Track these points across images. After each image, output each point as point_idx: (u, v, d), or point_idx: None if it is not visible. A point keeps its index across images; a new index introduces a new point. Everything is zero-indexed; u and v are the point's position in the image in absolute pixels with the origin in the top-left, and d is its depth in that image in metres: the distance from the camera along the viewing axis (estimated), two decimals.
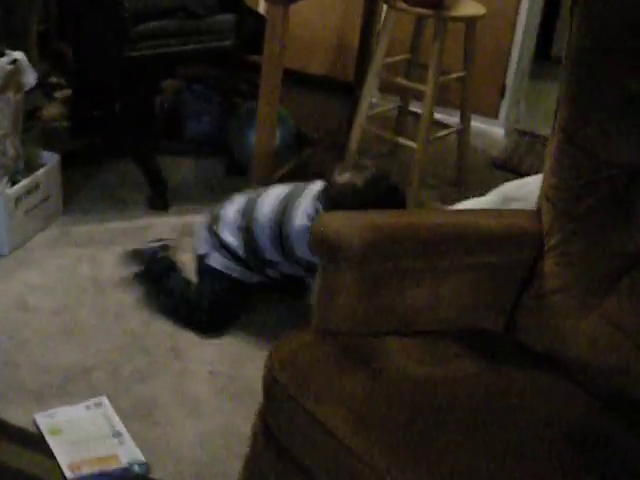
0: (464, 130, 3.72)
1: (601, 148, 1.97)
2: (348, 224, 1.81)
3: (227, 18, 3.21)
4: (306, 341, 1.81)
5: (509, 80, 4.30)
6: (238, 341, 2.62)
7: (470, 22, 3.47)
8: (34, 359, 2.45)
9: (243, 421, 2.27)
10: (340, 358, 1.75)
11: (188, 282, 2.73)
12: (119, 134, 3.48)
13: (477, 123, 4.09)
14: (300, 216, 2.50)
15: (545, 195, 2.06)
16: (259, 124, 3.09)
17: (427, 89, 3.41)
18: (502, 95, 4.33)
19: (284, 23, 2.92)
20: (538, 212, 2.09)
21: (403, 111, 3.94)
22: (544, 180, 2.08)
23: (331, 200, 2.46)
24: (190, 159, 3.65)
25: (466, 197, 3.30)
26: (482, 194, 2.64)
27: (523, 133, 4.46)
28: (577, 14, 1.94)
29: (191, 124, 3.74)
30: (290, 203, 2.55)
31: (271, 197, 2.61)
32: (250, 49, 3.37)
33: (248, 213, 2.62)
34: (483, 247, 1.98)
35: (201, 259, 2.69)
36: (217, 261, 2.65)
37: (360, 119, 3.55)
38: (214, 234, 2.65)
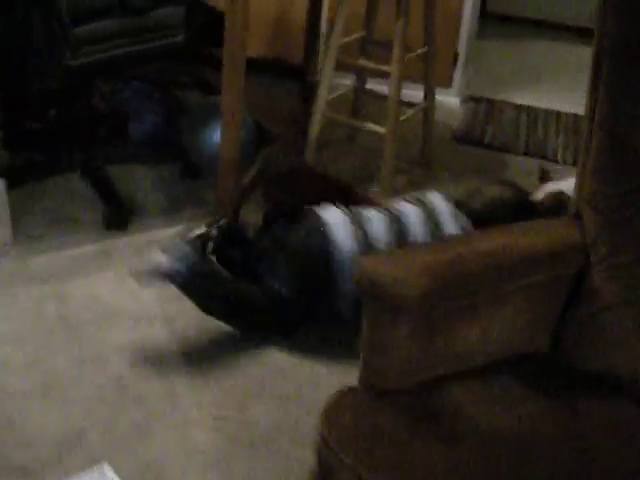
0: (429, 107, 3.49)
1: None
2: (399, 268, 1.57)
3: (174, 11, 2.90)
4: (362, 403, 1.59)
5: (461, 47, 4.09)
6: (237, 378, 2.36)
7: None
8: (15, 428, 2.15)
9: (265, 474, 2.03)
10: (408, 422, 1.54)
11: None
12: (59, 146, 3.14)
13: None
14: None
15: (586, 201, 1.86)
16: (225, 124, 2.81)
17: (392, 69, 3.17)
18: (455, 62, 4.11)
19: (246, 9, 2.63)
20: (575, 219, 1.88)
21: (359, 92, 3.67)
22: (583, 184, 1.88)
23: (478, 214, 2.42)
24: (140, 166, 3.34)
25: (434, 178, 3.12)
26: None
27: (477, 100, 4.27)
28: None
29: (134, 126, 3.43)
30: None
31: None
32: (205, 42, 3.06)
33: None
34: (531, 268, 1.79)
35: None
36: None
37: (320, 104, 3.31)
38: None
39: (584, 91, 1.84)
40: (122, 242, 2.89)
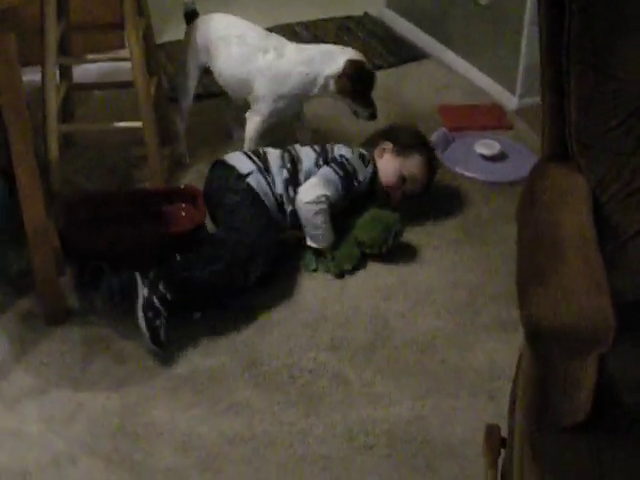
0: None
1: (632, 68, 1.70)
2: (577, 301, 1.37)
3: None
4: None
5: None
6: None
7: None
8: None
9: None
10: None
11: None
12: None
13: None
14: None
15: (582, 142, 1.76)
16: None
17: (135, 53, 2.75)
18: None
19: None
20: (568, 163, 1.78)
21: (69, 89, 3.16)
22: (570, 127, 1.77)
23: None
24: None
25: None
26: None
27: None
28: None
29: None
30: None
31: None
32: None
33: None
34: None
35: (239, 179, 2.60)
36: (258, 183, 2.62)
37: (51, 114, 2.79)
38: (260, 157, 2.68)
39: None
40: None
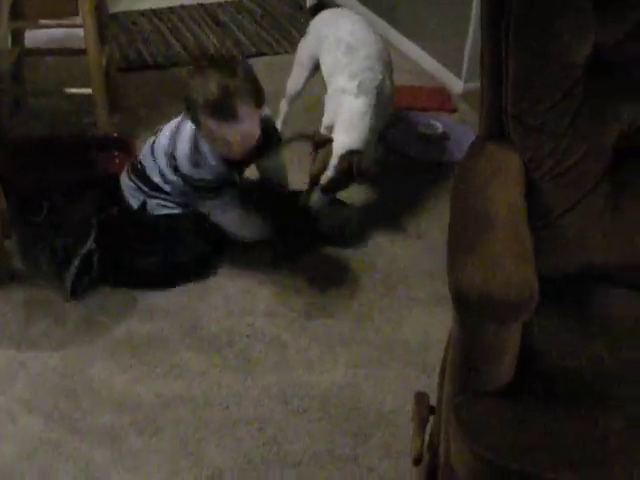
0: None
1: (566, 52, 1.78)
2: (502, 271, 1.44)
3: None
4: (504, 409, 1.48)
5: None
6: None
7: None
8: None
9: None
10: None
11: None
12: None
13: None
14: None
15: (517, 119, 1.83)
16: None
17: (87, 22, 2.77)
18: None
19: None
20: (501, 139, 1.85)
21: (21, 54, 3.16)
22: (506, 104, 1.84)
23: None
24: None
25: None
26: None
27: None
28: None
29: None
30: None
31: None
32: None
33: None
34: None
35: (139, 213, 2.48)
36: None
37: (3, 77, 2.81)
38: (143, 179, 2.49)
39: None
40: None
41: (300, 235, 2.63)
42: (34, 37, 3.28)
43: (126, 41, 3.75)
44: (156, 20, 3.98)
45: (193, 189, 2.41)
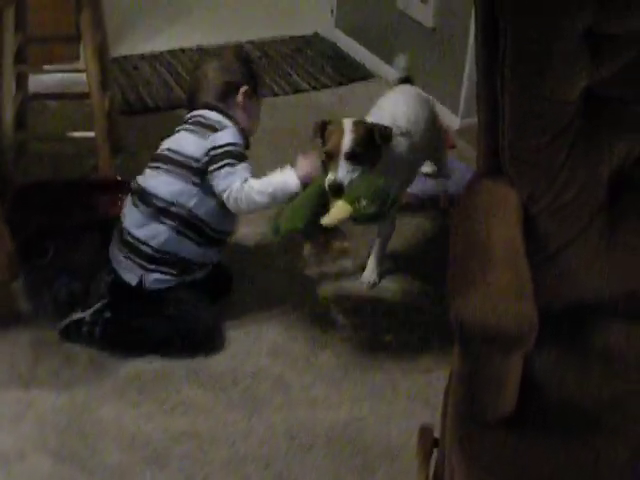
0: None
1: (561, 90, 1.82)
2: (503, 302, 1.48)
3: None
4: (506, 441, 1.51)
5: None
6: None
7: None
8: None
9: None
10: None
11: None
12: None
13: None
14: None
15: (514, 157, 1.87)
16: None
17: (90, 67, 2.83)
18: None
19: None
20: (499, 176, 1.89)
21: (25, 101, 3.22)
22: (503, 143, 1.88)
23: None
24: None
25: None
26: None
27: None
28: None
29: None
30: None
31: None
32: None
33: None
34: None
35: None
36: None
37: (7, 123, 2.85)
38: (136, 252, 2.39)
39: None
40: None
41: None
42: (35, 83, 3.32)
43: (127, 84, 3.81)
44: (156, 64, 4.04)
45: (233, 157, 2.35)
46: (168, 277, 2.38)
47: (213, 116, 2.41)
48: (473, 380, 1.53)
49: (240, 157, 2.35)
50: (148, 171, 2.43)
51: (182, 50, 4.21)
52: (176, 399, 2.24)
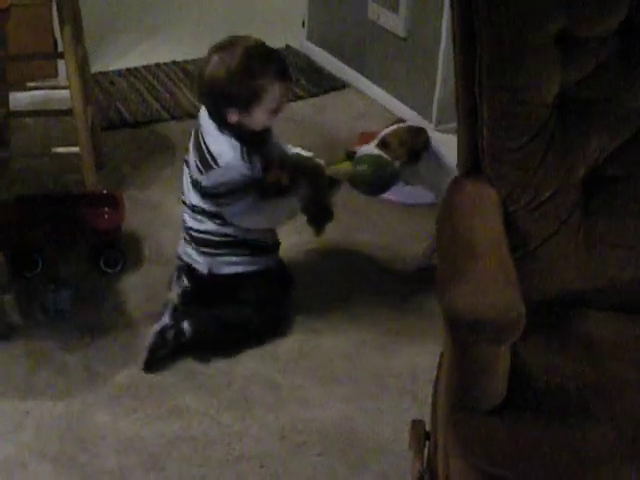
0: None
1: (536, 92, 1.90)
2: (491, 294, 1.55)
3: None
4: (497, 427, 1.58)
5: None
6: None
7: None
8: None
9: None
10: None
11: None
12: None
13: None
14: None
15: (493, 157, 1.94)
16: None
17: (73, 84, 2.88)
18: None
19: None
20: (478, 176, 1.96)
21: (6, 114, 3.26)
22: (482, 143, 1.95)
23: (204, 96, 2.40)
24: None
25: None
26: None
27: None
28: None
29: None
30: None
31: None
32: None
33: None
34: None
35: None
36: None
37: None
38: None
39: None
40: None
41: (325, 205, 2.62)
42: (13, 100, 3.36)
43: (105, 100, 3.86)
44: (133, 79, 4.08)
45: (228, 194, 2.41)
46: (239, 259, 2.49)
47: (211, 137, 2.41)
48: (464, 369, 1.60)
49: (234, 190, 2.40)
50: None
51: (157, 65, 4.26)
52: (171, 404, 2.29)
